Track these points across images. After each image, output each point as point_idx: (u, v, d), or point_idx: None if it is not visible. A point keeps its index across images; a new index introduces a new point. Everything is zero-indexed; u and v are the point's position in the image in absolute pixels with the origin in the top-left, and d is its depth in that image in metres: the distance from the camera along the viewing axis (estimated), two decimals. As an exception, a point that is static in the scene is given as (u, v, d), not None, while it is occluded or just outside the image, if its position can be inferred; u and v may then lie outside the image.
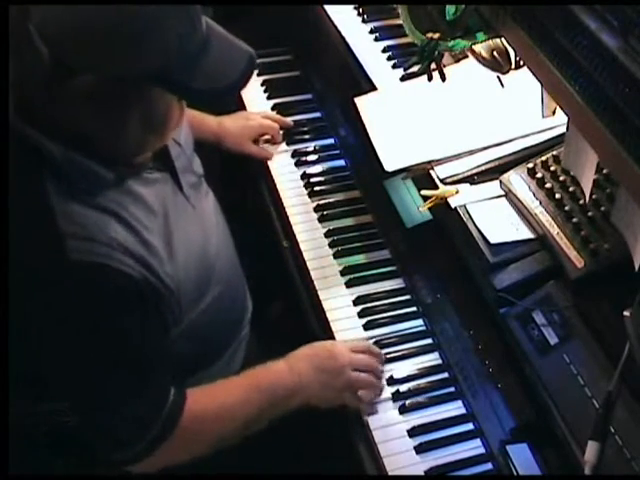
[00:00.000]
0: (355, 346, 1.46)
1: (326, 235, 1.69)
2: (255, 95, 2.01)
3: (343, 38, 1.89)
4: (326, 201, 1.76)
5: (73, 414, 1.33)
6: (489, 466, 1.33)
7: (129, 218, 1.22)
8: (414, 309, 1.56)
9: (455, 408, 1.41)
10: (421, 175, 1.58)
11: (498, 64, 1.50)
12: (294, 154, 1.87)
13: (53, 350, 1.24)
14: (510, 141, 1.57)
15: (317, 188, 1.79)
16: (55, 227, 1.15)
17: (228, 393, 1.39)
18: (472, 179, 1.54)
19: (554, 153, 1.48)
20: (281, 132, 1.90)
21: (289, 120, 1.92)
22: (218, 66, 1.14)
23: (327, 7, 1.95)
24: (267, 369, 1.43)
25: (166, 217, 1.31)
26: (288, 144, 1.89)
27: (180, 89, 1.15)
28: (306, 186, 1.79)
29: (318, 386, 1.41)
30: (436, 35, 1.38)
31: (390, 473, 1.32)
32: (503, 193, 1.50)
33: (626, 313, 1.15)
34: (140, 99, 1.15)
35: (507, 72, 1.53)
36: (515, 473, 1.26)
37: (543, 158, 1.49)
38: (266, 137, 1.88)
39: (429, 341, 1.51)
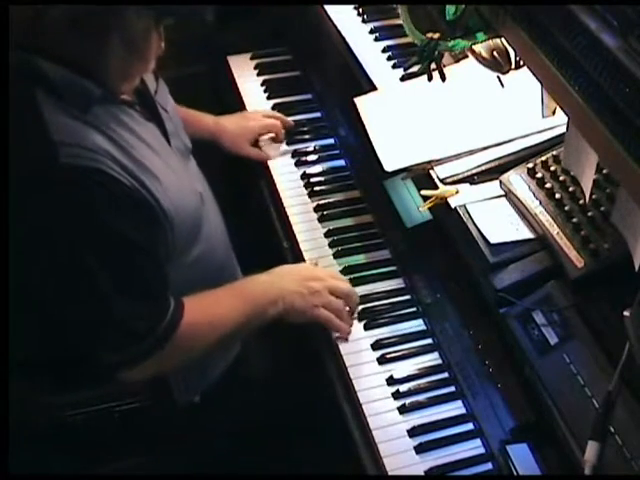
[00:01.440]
0: (336, 275, 1.57)
1: (326, 235, 1.69)
2: (255, 95, 2.01)
3: (343, 38, 1.89)
4: (326, 201, 1.76)
5: (85, 315, 1.36)
6: (489, 466, 1.33)
7: (118, 139, 1.29)
8: (414, 309, 1.56)
9: (455, 408, 1.41)
10: (421, 175, 1.58)
11: (498, 64, 1.50)
12: (294, 154, 1.87)
13: (55, 252, 1.28)
14: (510, 141, 1.58)
15: (317, 188, 1.79)
16: (47, 136, 1.22)
17: (218, 303, 1.47)
18: (472, 179, 1.54)
19: (554, 153, 1.48)
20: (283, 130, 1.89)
21: (289, 119, 1.92)
22: None
23: (327, 7, 1.95)
24: (252, 281, 1.53)
25: (157, 153, 1.37)
26: (288, 144, 1.89)
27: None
28: (306, 186, 1.79)
29: (297, 299, 1.49)
30: (436, 35, 1.38)
31: (390, 473, 1.32)
32: (503, 193, 1.50)
33: (626, 313, 1.15)
34: (118, 21, 1.24)
35: (507, 72, 1.53)
36: (515, 473, 1.26)
37: (543, 158, 1.49)
38: (269, 135, 1.88)
39: (429, 341, 1.51)
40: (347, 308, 1.53)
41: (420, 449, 1.35)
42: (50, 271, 1.30)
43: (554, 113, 1.49)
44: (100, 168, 1.24)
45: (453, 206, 1.48)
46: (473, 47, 1.44)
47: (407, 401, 1.41)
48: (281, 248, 1.70)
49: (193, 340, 1.43)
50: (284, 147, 1.88)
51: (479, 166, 1.55)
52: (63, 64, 1.24)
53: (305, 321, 1.51)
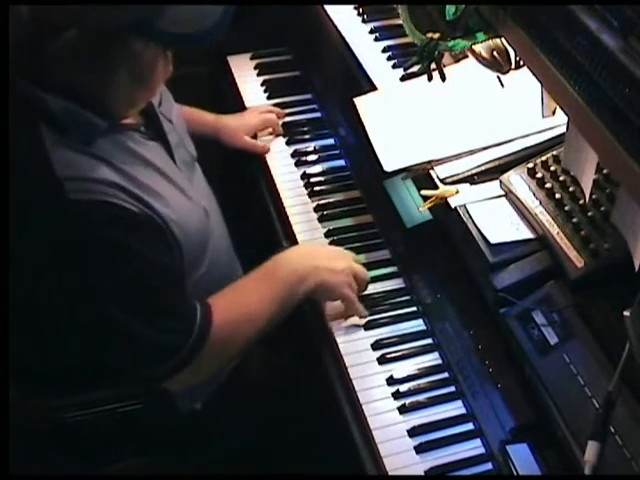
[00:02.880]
0: (356, 257, 1.57)
1: (326, 235, 1.69)
2: (255, 95, 2.01)
3: (343, 38, 1.88)
4: (326, 201, 1.76)
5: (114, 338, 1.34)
6: (489, 466, 1.33)
7: (123, 166, 1.27)
8: (414, 309, 1.56)
9: (455, 408, 1.41)
10: (421, 175, 1.58)
11: (498, 64, 1.50)
12: (294, 154, 1.87)
13: (73, 287, 1.26)
14: (510, 141, 1.57)
15: (317, 188, 1.79)
16: (52, 172, 1.19)
17: (247, 294, 1.45)
18: (472, 179, 1.54)
19: (554, 153, 1.48)
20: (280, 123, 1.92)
21: (283, 112, 1.95)
22: (193, 11, 1.19)
23: (327, 7, 1.95)
24: (279, 261, 1.49)
25: (163, 174, 1.36)
26: (288, 144, 1.90)
27: (159, 35, 1.19)
28: (306, 186, 1.79)
29: (326, 275, 1.47)
30: (436, 35, 1.38)
31: (390, 473, 1.32)
32: (503, 193, 1.50)
33: (626, 313, 1.15)
34: (125, 53, 1.20)
35: (507, 72, 1.53)
36: (515, 473, 1.26)
37: (543, 158, 1.49)
38: (267, 130, 1.90)
39: (429, 341, 1.51)
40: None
41: (420, 449, 1.35)
42: (70, 306, 1.28)
43: (554, 113, 1.49)
44: (108, 200, 1.23)
45: (453, 206, 1.48)
46: (473, 47, 1.44)
47: (407, 401, 1.41)
48: (281, 248, 1.70)
49: (231, 338, 1.42)
50: (284, 147, 1.89)
51: (479, 166, 1.55)
52: (67, 97, 1.21)
53: (331, 299, 1.51)
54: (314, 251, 1.55)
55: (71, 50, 1.17)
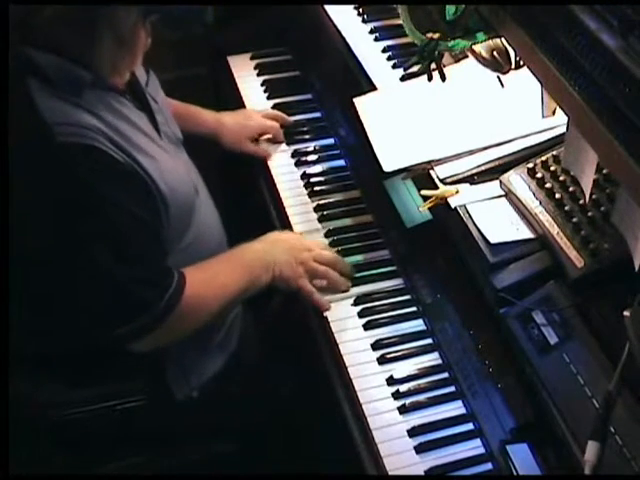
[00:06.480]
0: (323, 245, 1.63)
1: (326, 235, 1.69)
2: (255, 95, 2.01)
3: (343, 38, 1.89)
4: (326, 201, 1.76)
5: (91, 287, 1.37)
6: (489, 466, 1.33)
7: (111, 121, 1.32)
8: (414, 309, 1.56)
9: (455, 408, 1.41)
10: (421, 175, 1.58)
11: (498, 64, 1.50)
12: (294, 154, 1.87)
13: (56, 228, 1.32)
14: (510, 141, 1.57)
15: (317, 188, 1.79)
16: (40, 118, 1.26)
17: (219, 272, 1.51)
18: (472, 179, 1.54)
19: (554, 153, 1.48)
20: (281, 130, 1.90)
21: (289, 117, 1.93)
22: None
23: (327, 7, 1.95)
24: (247, 249, 1.58)
25: (151, 138, 1.41)
26: (288, 144, 1.90)
27: None
28: (306, 186, 1.79)
29: (285, 267, 1.55)
30: (436, 35, 1.38)
31: (390, 473, 1.32)
32: (503, 193, 1.50)
33: (626, 313, 1.15)
34: (108, 17, 1.28)
35: (507, 72, 1.53)
36: (515, 473, 1.26)
37: (543, 158, 1.49)
38: (267, 137, 1.89)
39: (429, 341, 1.51)
40: (337, 275, 1.57)
41: (420, 449, 1.35)
42: (52, 249, 1.32)
43: (554, 113, 1.49)
44: (95, 145, 1.28)
45: (453, 206, 1.48)
46: (473, 47, 1.44)
47: (407, 401, 1.41)
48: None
49: (198, 309, 1.46)
50: (284, 147, 1.88)
51: (479, 166, 1.55)
52: (54, 52, 1.27)
53: (289, 289, 1.56)
54: (281, 241, 1.59)
55: (60, 16, 1.23)
